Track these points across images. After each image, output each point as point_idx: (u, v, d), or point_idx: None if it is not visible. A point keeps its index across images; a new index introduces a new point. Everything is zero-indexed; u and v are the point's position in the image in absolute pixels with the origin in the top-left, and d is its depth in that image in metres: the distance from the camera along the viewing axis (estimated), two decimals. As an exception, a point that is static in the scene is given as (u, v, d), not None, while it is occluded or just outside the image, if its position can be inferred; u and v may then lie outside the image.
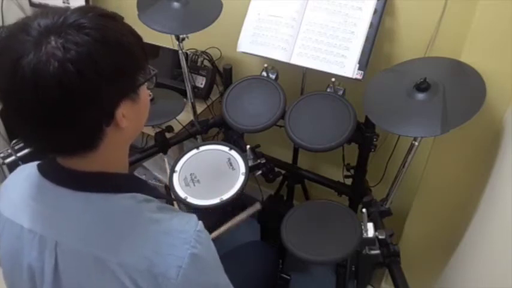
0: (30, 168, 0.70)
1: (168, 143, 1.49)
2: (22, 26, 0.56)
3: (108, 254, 0.61)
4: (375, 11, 1.23)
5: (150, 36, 1.71)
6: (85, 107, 0.56)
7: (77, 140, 0.61)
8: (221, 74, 1.71)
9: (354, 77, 1.24)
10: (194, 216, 0.68)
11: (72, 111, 0.56)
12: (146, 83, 0.68)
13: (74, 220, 0.64)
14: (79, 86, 0.54)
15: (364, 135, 1.30)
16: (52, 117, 0.56)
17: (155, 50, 1.76)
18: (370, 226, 1.14)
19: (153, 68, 0.69)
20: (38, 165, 0.69)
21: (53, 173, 0.67)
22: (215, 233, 1.21)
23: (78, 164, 0.64)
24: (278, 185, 1.72)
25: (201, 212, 1.15)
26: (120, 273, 0.60)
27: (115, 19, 0.62)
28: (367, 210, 1.14)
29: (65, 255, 0.64)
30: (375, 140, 1.31)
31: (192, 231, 0.64)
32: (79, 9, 0.59)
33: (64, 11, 0.58)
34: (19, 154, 1.52)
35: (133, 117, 0.65)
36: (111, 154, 0.66)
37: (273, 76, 1.40)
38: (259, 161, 1.33)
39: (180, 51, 1.39)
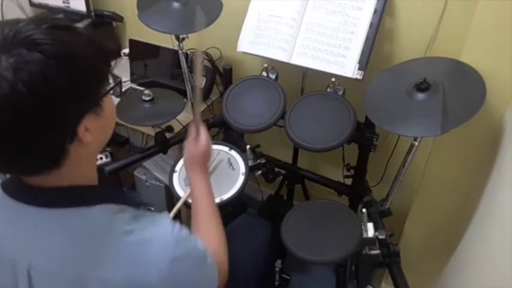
0: None
1: (168, 143, 1.49)
2: None
3: (85, 270, 0.59)
4: (375, 11, 1.23)
5: (150, 36, 1.72)
6: (42, 127, 0.53)
7: (38, 160, 0.57)
8: (221, 74, 1.71)
9: (354, 77, 1.24)
10: (166, 217, 0.67)
11: (27, 133, 0.53)
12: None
13: (46, 239, 0.61)
14: (32, 107, 0.51)
15: (364, 135, 1.30)
16: (7, 140, 0.53)
17: (155, 50, 1.76)
18: (370, 226, 1.14)
19: (117, 75, 0.66)
20: (2, 184, 0.65)
21: (19, 192, 0.63)
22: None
23: (44, 181, 0.61)
24: (278, 185, 1.72)
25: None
26: None
27: (71, 30, 0.57)
28: (367, 210, 1.14)
29: (39, 277, 0.61)
30: (375, 140, 1.31)
31: (169, 235, 0.63)
32: (32, 21, 0.55)
33: (15, 23, 0.54)
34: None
35: (98, 130, 0.61)
36: (77, 168, 0.62)
37: (273, 76, 1.41)
38: (259, 161, 1.33)
39: (180, 51, 1.39)
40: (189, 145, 0.94)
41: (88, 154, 0.65)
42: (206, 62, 1.75)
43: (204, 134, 0.94)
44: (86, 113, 0.58)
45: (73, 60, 0.55)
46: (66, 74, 0.53)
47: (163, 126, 1.51)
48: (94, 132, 0.60)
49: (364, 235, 1.13)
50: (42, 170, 0.59)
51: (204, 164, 0.95)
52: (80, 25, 1.82)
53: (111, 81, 0.64)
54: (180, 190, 1.21)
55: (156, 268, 0.60)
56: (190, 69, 1.50)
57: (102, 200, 0.64)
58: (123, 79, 1.86)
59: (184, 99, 1.52)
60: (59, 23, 0.56)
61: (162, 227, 0.65)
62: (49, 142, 0.56)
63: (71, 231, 0.61)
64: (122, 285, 0.59)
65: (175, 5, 1.31)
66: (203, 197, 0.91)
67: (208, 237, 0.84)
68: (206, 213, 0.90)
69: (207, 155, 0.95)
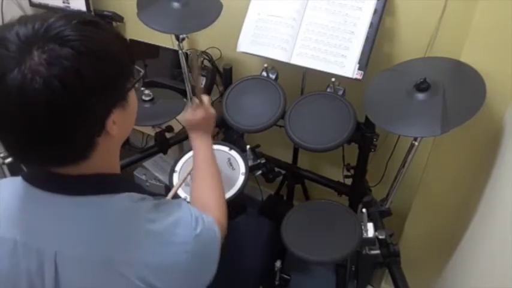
0: (12, 183, 0.67)
1: (168, 143, 1.49)
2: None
3: (114, 255, 0.61)
4: (375, 11, 1.23)
5: (150, 36, 1.72)
6: (75, 121, 0.55)
7: (69, 152, 0.59)
8: (221, 74, 1.71)
9: (354, 77, 1.24)
10: (184, 202, 0.72)
11: (61, 126, 0.55)
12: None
13: (74, 226, 0.62)
14: (66, 102, 0.53)
15: (364, 135, 1.30)
16: (40, 133, 0.55)
17: (155, 50, 1.76)
18: (370, 226, 1.14)
19: (140, 69, 0.69)
20: (25, 176, 0.66)
21: (46, 181, 0.64)
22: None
23: (71, 170, 0.62)
24: (278, 185, 1.72)
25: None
26: (129, 273, 0.60)
27: (99, 26, 0.59)
28: (367, 210, 1.14)
29: (65, 264, 0.62)
30: (375, 140, 1.31)
31: (189, 216, 0.68)
32: (61, 17, 0.56)
33: (45, 18, 0.55)
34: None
35: (123, 123, 0.64)
36: (103, 159, 0.65)
37: (273, 76, 1.41)
38: (259, 161, 1.33)
39: (180, 51, 1.39)
40: (188, 114, 1.05)
41: (113, 146, 0.68)
42: (206, 62, 1.75)
43: (205, 100, 1.06)
44: (115, 107, 0.61)
45: (103, 56, 0.57)
46: (96, 69, 0.55)
47: (163, 126, 1.51)
48: (120, 125, 0.63)
49: (364, 235, 1.13)
50: (71, 162, 0.61)
51: (206, 126, 1.04)
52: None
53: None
54: (180, 190, 1.21)
55: (182, 248, 0.64)
56: (190, 68, 1.50)
57: (126, 188, 0.67)
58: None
59: (184, 99, 1.52)
60: (87, 19, 0.58)
61: (181, 210, 0.70)
62: (80, 135, 0.58)
63: (96, 218, 0.63)
64: (152, 268, 0.62)
65: (175, 5, 1.31)
66: (204, 162, 0.98)
67: (210, 199, 0.90)
68: (207, 176, 0.95)
69: (207, 118, 1.06)
